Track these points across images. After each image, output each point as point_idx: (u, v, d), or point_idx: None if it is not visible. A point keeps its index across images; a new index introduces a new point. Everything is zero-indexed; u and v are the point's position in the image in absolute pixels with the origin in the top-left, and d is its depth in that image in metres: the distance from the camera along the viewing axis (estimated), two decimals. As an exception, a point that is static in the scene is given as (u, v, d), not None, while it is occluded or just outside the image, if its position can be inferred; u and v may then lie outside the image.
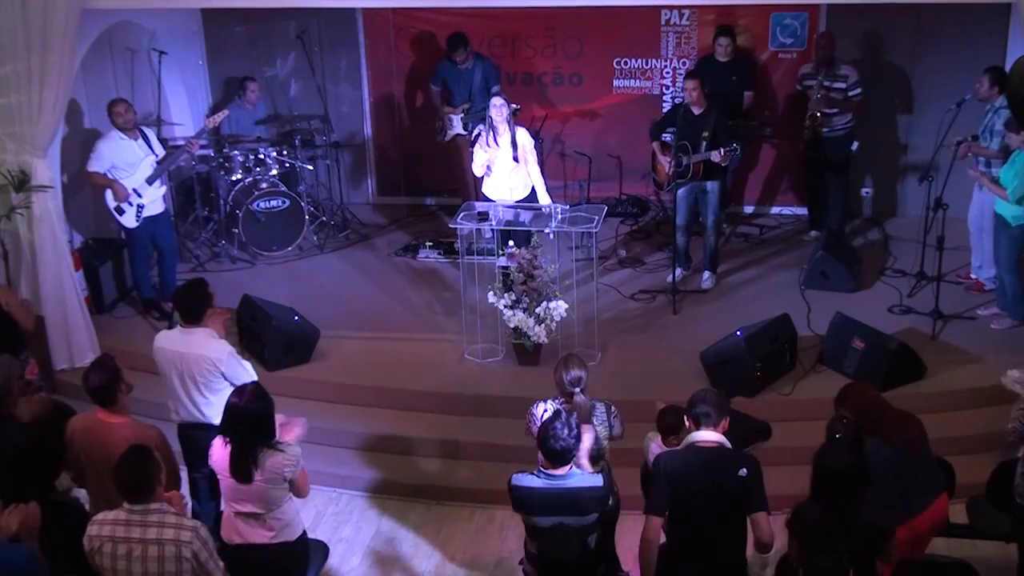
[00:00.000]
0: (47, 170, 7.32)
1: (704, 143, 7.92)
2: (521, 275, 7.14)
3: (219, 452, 4.77)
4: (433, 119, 9.78)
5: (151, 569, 4.21)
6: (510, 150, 7.88)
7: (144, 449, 4.36)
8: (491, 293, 7.24)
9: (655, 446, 5.21)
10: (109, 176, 7.87)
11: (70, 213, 8.14)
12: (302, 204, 9.30)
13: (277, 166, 9.41)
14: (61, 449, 4.96)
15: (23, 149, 7.19)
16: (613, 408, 5.17)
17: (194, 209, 9.65)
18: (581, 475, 4.57)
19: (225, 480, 4.77)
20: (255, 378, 5.32)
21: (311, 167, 9.94)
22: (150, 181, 8.01)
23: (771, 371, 6.95)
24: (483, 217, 7.53)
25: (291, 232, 9.28)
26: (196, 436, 5.45)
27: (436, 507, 6.59)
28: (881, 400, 5.17)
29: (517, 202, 7.95)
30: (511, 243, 7.47)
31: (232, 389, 5.27)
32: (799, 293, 8.19)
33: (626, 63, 9.94)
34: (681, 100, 8.53)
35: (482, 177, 8.09)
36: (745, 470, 4.47)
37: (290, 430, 5.08)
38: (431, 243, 9.32)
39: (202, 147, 9.28)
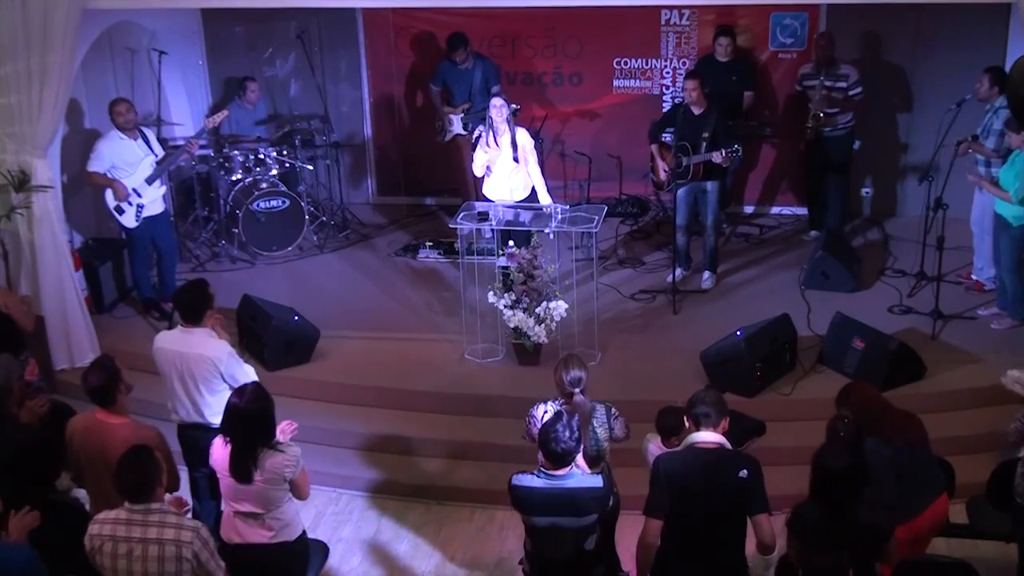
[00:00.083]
0: (47, 170, 7.32)
1: (704, 143, 7.92)
2: (521, 275, 7.14)
3: (219, 452, 4.78)
4: (433, 119, 9.78)
5: (151, 569, 4.22)
6: (510, 150, 7.88)
7: (145, 449, 4.36)
8: (491, 293, 7.24)
9: (654, 447, 5.21)
10: (109, 176, 7.87)
11: (70, 213, 8.14)
12: (302, 204, 9.30)
13: (277, 166, 9.41)
14: (61, 449, 4.97)
15: (23, 149, 7.19)
16: (614, 410, 5.16)
17: (194, 209, 9.65)
18: (581, 476, 4.57)
19: (225, 480, 4.77)
20: (255, 379, 5.32)
21: (311, 167, 9.94)
22: (150, 181, 8.01)
23: (771, 371, 6.95)
24: (483, 217, 7.53)
25: (291, 232, 9.28)
26: (196, 436, 5.45)
27: (436, 507, 6.59)
28: (882, 400, 5.18)
29: (517, 202, 7.95)
30: (511, 243, 7.47)
31: (231, 389, 5.29)
32: (799, 293, 8.19)
33: (626, 63, 9.94)
34: (681, 100, 8.53)
35: (482, 177, 8.09)
36: (746, 471, 4.46)
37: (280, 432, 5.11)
38: (431, 243, 9.32)
39: (202, 147, 9.29)
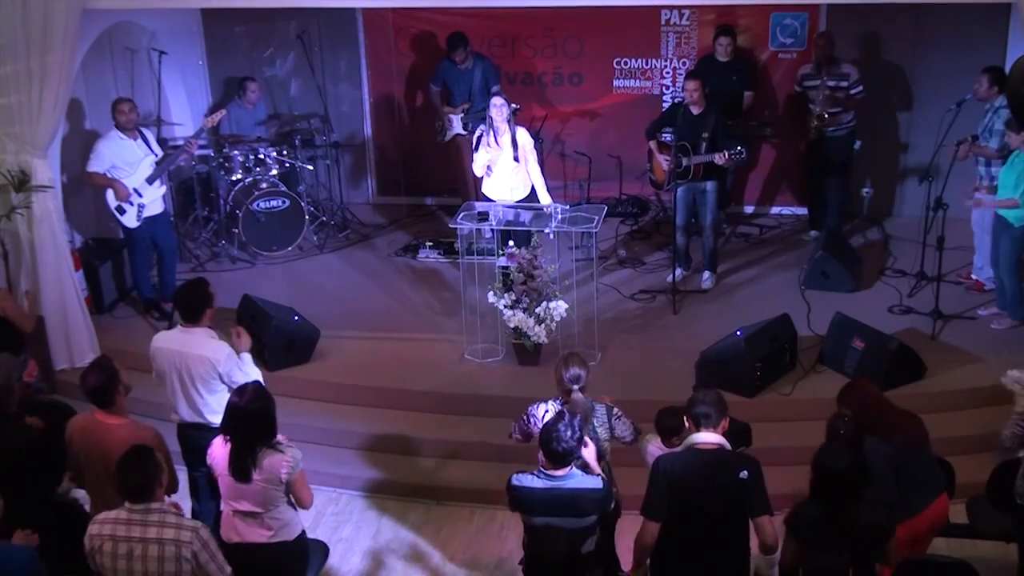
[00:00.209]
0: (47, 170, 7.32)
1: (704, 144, 7.92)
2: (521, 275, 7.14)
3: (219, 451, 4.78)
4: (433, 119, 9.78)
5: (151, 568, 4.22)
6: (511, 150, 7.88)
7: (145, 449, 4.36)
8: (491, 293, 7.24)
9: (654, 447, 5.20)
10: (109, 176, 7.87)
11: (70, 213, 8.14)
12: (302, 204, 9.30)
13: (277, 166, 9.41)
14: (62, 450, 4.97)
15: (23, 149, 7.19)
16: (616, 409, 5.14)
17: (194, 209, 9.64)
18: (581, 476, 4.56)
19: (224, 479, 4.77)
20: (260, 379, 5.32)
21: (311, 167, 9.94)
22: (150, 181, 8.02)
23: (771, 371, 6.94)
24: (483, 217, 7.53)
25: (291, 232, 9.28)
26: (196, 436, 5.44)
27: (436, 507, 6.59)
28: (882, 399, 5.17)
29: (517, 202, 7.95)
30: (511, 243, 7.48)
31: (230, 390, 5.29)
32: (799, 293, 8.19)
33: (626, 63, 9.94)
34: (680, 100, 8.53)
35: (482, 177, 8.09)
36: (746, 472, 4.45)
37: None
38: (431, 243, 9.32)
39: (202, 147, 9.29)
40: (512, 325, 7.15)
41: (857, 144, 8.97)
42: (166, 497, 4.56)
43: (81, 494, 5.16)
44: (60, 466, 4.98)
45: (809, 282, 8.26)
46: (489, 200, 7.99)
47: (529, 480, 4.55)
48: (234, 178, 9.30)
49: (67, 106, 7.51)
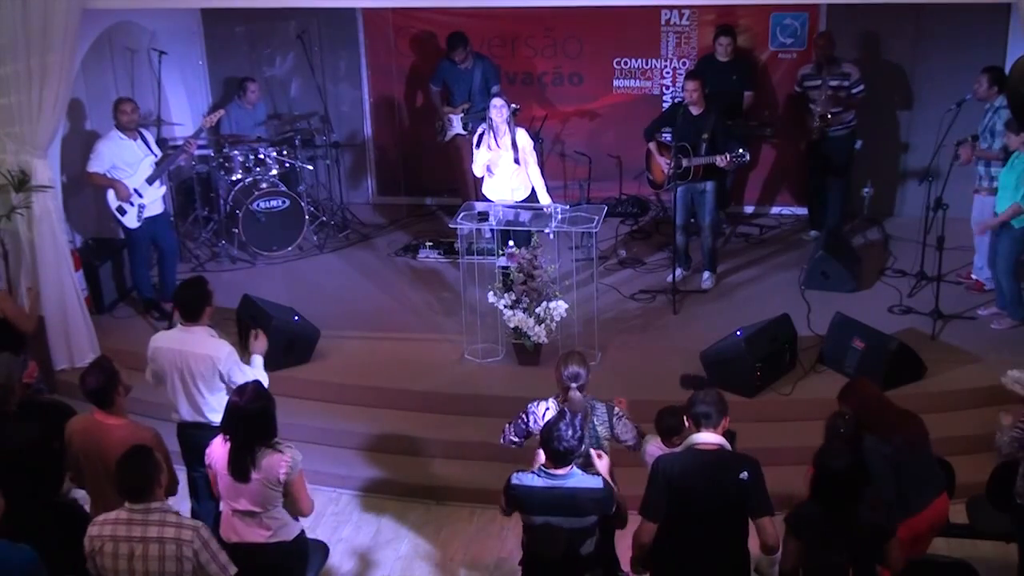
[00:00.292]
0: (47, 170, 7.32)
1: (704, 145, 7.92)
2: (521, 275, 7.14)
3: (219, 450, 4.77)
4: (433, 119, 9.78)
5: (152, 568, 4.21)
6: (511, 151, 7.88)
7: (145, 449, 4.36)
8: (491, 293, 7.24)
9: (654, 447, 5.20)
10: (109, 176, 7.88)
11: (70, 213, 8.14)
12: (302, 204, 9.31)
13: (277, 166, 9.41)
14: (62, 450, 4.97)
15: (23, 149, 7.19)
16: (617, 410, 5.14)
17: (194, 209, 9.65)
18: (581, 476, 4.55)
19: (223, 478, 4.77)
20: (264, 378, 5.31)
21: (311, 167, 9.94)
22: (150, 181, 8.02)
23: (771, 371, 6.94)
24: (483, 217, 7.53)
25: (291, 232, 9.28)
26: (196, 436, 5.44)
27: (436, 507, 6.59)
28: (883, 398, 5.17)
29: (517, 202, 7.95)
30: (511, 243, 7.48)
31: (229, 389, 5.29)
32: (799, 293, 8.19)
33: (626, 63, 9.94)
34: (680, 100, 8.53)
35: (482, 177, 8.09)
36: (746, 473, 4.45)
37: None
38: (431, 243, 9.32)
39: (202, 147, 9.30)
40: (512, 325, 7.16)
41: (858, 144, 8.98)
42: (169, 497, 4.56)
43: (81, 494, 5.16)
44: (60, 467, 4.97)
45: (809, 282, 8.26)
46: (489, 200, 7.99)
47: (529, 479, 4.55)
48: (234, 178, 9.30)
49: (67, 106, 7.51)
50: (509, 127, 7.87)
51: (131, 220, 8.01)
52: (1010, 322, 7.50)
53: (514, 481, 4.58)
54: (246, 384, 4.88)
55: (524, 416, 5.16)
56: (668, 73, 9.88)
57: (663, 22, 9.75)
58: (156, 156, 8.10)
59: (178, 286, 5.94)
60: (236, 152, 9.30)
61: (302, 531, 4.96)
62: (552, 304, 7.09)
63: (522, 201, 7.97)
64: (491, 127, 7.89)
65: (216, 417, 5.14)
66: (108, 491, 4.66)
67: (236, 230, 9.14)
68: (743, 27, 9.50)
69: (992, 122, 7.63)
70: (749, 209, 10.06)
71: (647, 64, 9.91)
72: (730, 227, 9.55)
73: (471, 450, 6.77)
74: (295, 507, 4.82)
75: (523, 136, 7.98)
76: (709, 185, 8.14)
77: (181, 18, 9.88)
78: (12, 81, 7.01)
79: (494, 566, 6.03)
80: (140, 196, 7.98)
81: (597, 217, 7.34)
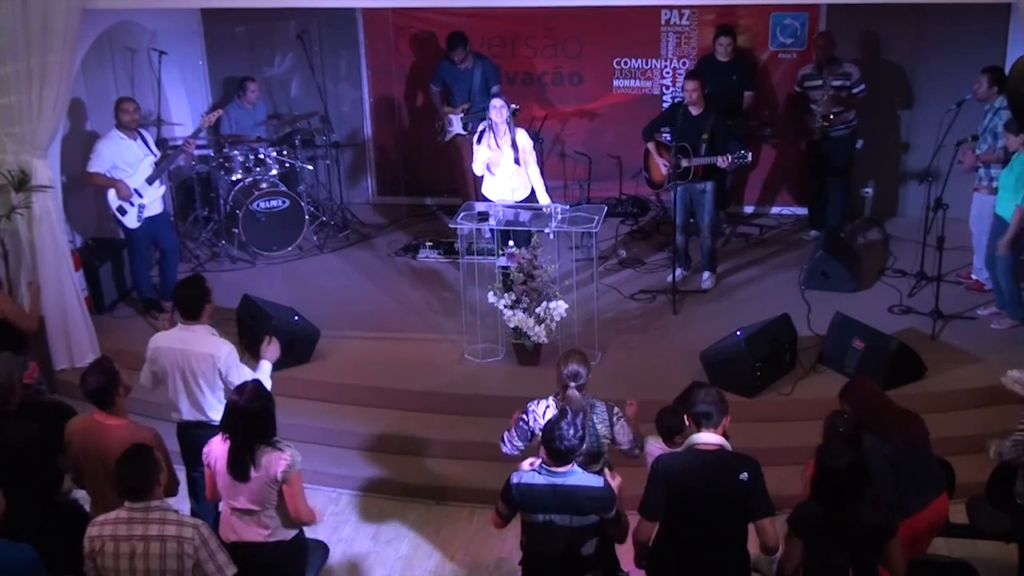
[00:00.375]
0: (47, 170, 7.32)
1: (704, 145, 7.92)
2: (521, 275, 7.14)
3: (218, 448, 4.78)
4: (433, 119, 9.78)
5: (153, 566, 4.21)
6: (511, 151, 7.88)
7: (144, 447, 4.37)
8: (491, 293, 7.24)
9: (654, 447, 5.20)
10: (109, 176, 7.88)
11: (70, 213, 8.14)
12: (302, 204, 9.31)
13: (277, 166, 9.41)
14: (61, 450, 4.97)
15: (23, 149, 7.19)
16: (618, 410, 5.13)
17: (194, 209, 9.65)
18: (582, 474, 4.55)
19: (222, 477, 4.77)
20: (267, 383, 5.31)
21: (311, 167, 9.94)
22: (150, 181, 8.02)
23: (771, 371, 6.94)
24: (483, 217, 7.53)
25: (291, 232, 9.28)
26: (196, 435, 5.44)
27: (436, 507, 6.59)
28: (883, 397, 5.14)
29: (517, 202, 7.95)
30: (511, 243, 7.48)
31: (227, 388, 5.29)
32: (799, 293, 8.19)
33: (626, 63, 9.94)
34: (680, 100, 8.52)
35: (482, 176, 8.09)
36: (746, 474, 4.44)
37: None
38: (431, 243, 9.32)
39: (201, 147, 9.30)
40: (512, 325, 7.16)
41: (859, 143, 8.98)
42: (170, 498, 4.57)
43: (81, 494, 5.16)
44: (60, 467, 4.98)
45: (809, 282, 8.26)
46: (489, 200, 7.99)
47: (530, 476, 4.55)
48: (234, 178, 9.30)
49: (67, 106, 7.51)
50: (509, 127, 7.87)
51: (131, 220, 8.02)
52: (1010, 322, 7.50)
53: (514, 480, 4.57)
54: (245, 383, 4.89)
55: (524, 417, 5.16)
56: (668, 73, 9.88)
57: (663, 22, 9.75)
58: (155, 156, 8.10)
59: (176, 285, 5.94)
60: (236, 152, 9.31)
61: (301, 530, 4.95)
62: (552, 304, 7.09)
63: (522, 201, 7.97)
64: (491, 127, 7.89)
65: (217, 416, 5.14)
66: (108, 491, 4.66)
67: (236, 230, 9.14)
68: (743, 27, 9.50)
69: (992, 123, 7.63)
70: (749, 209, 10.06)
71: (647, 64, 9.91)
72: (730, 227, 9.55)
73: (471, 450, 6.77)
74: (289, 509, 4.76)
75: (523, 136, 7.98)
76: (708, 185, 8.14)
77: (181, 18, 9.88)
78: (12, 81, 7.01)
79: (494, 566, 6.03)
80: (140, 196, 7.99)
81: (597, 217, 7.34)
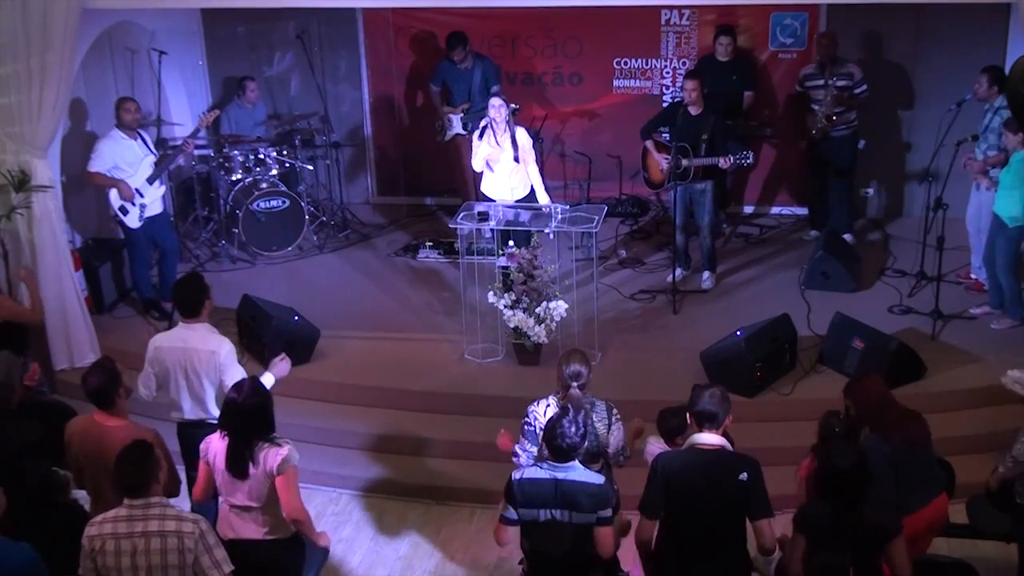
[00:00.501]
0: (47, 170, 7.32)
1: (704, 145, 7.91)
2: (521, 275, 7.14)
3: (216, 445, 4.78)
4: (433, 119, 9.78)
5: (154, 561, 4.20)
6: (511, 150, 7.88)
7: (144, 443, 4.36)
8: (491, 293, 7.24)
9: (654, 446, 5.20)
10: (109, 176, 7.88)
11: (70, 213, 8.14)
12: (302, 204, 9.31)
13: (277, 166, 9.41)
14: (61, 451, 4.97)
15: (23, 149, 7.19)
16: (616, 412, 5.13)
17: (194, 209, 9.65)
18: (583, 470, 4.55)
19: (220, 474, 4.77)
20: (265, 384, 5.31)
21: (311, 167, 9.94)
22: (150, 181, 8.02)
23: (771, 371, 6.94)
24: (483, 217, 7.53)
25: (291, 232, 9.28)
26: (197, 435, 5.41)
27: (436, 507, 6.59)
28: (886, 397, 5.11)
29: (517, 202, 7.95)
30: (511, 243, 7.48)
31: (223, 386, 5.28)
32: (799, 293, 8.19)
33: (626, 63, 9.93)
34: (680, 99, 8.52)
35: (481, 172, 8.08)
36: (746, 474, 4.44)
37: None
38: (431, 243, 9.32)
39: (201, 147, 9.30)
40: (512, 325, 7.16)
41: (861, 144, 8.97)
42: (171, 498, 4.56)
43: (81, 494, 5.16)
44: (60, 466, 4.98)
45: (809, 282, 8.26)
46: (489, 200, 7.99)
47: (532, 472, 4.55)
48: (234, 178, 9.30)
49: (67, 106, 7.51)
50: (508, 126, 7.87)
51: (133, 220, 8.02)
52: (1010, 322, 7.49)
53: (515, 477, 4.57)
54: (243, 380, 4.91)
55: (529, 421, 5.14)
56: (668, 73, 9.88)
57: (663, 22, 9.75)
58: (155, 156, 8.10)
59: (175, 284, 5.95)
60: (236, 152, 9.30)
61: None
62: (552, 304, 7.09)
63: (521, 200, 7.97)
64: (490, 126, 7.89)
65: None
66: (108, 492, 4.66)
67: (236, 230, 9.14)
68: (743, 27, 9.50)
69: (993, 121, 7.63)
70: (749, 209, 10.05)
71: (647, 64, 9.90)
72: (730, 227, 9.55)
73: (471, 450, 6.77)
74: (282, 502, 4.74)
75: (523, 135, 7.99)
76: (707, 185, 8.14)
77: (181, 18, 9.88)
78: (12, 81, 7.01)
79: (494, 566, 6.03)
80: (141, 196, 7.99)
81: (597, 217, 7.34)
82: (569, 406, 4.73)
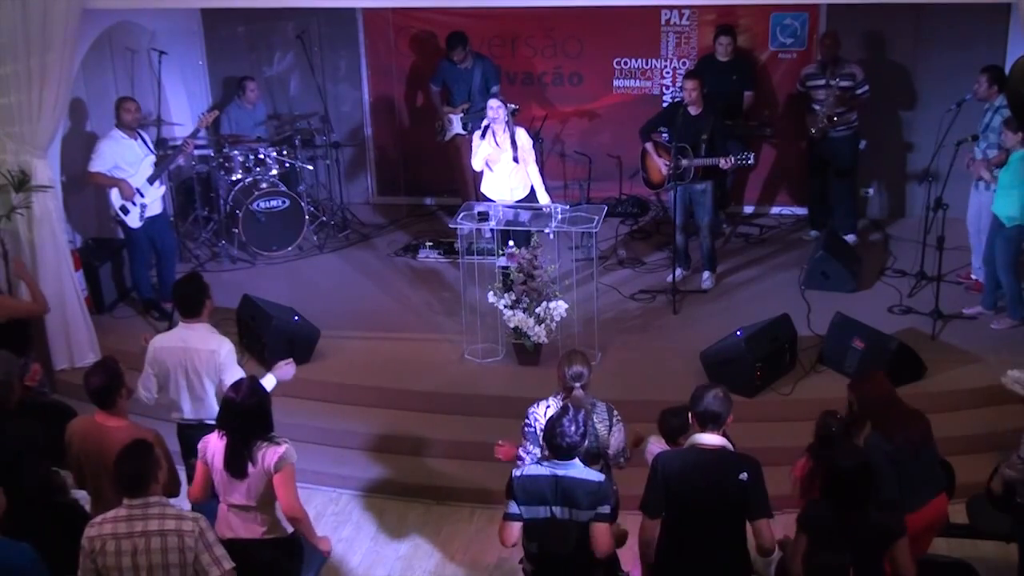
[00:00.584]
0: (47, 170, 7.32)
1: (704, 145, 7.91)
2: (521, 275, 7.14)
3: (214, 445, 4.78)
4: (433, 119, 9.78)
5: (155, 560, 4.20)
6: (511, 150, 7.88)
7: (144, 443, 4.37)
8: (491, 293, 7.24)
9: (655, 446, 5.19)
10: (110, 176, 7.88)
11: (70, 213, 8.14)
12: (302, 204, 9.31)
13: (277, 166, 9.41)
14: (61, 452, 4.97)
15: (23, 149, 7.19)
16: (617, 414, 5.13)
17: (194, 209, 9.65)
18: (583, 468, 4.55)
19: (218, 473, 4.77)
20: (267, 386, 5.30)
21: (311, 167, 9.94)
22: (151, 181, 8.03)
23: (771, 371, 6.95)
24: (483, 217, 7.53)
25: (291, 232, 9.28)
26: (197, 435, 5.39)
27: (436, 507, 6.59)
28: (888, 396, 5.08)
29: (517, 202, 7.95)
30: (511, 243, 7.48)
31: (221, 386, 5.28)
32: (799, 293, 8.19)
33: (626, 63, 9.93)
34: (679, 99, 8.52)
35: (481, 171, 8.08)
36: (746, 474, 4.43)
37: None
38: (431, 243, 9.32)
39: (201, 147, 9.30)
40: (512, 325, 7.16)
41: (862, 144, 8.97)
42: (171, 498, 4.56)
43: (81, 494, 5.16)
44: (60, 466, 4.98)
45: (809, 282, 8.26)
46: (489, 200, 7.99)
47: (533, 468, 4.56)
48: (234, 178, 9.30)
49: (67, 106, 7.51)
50: (508, 126, 7.87)
51: (134, 220, 8.02)
52: (1010, 322, 7.50)
53: (516, 474, 4.57)
54: (241, 380, 4.90)
55: (529, 423, 5.13)
56: (668, 73, 9.88)
57: (663, 22, 9.75)
58: (155, 156, 8.11)
59: (175, 284, 5.95)
60: (236, 152, 9.31)
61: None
62: (552, 304, 7.09)
63: (521, 200, 7.97)
64: (490, 127, 7.89)
65: (219, 413, 5.15)
66: (108, 492, 4.65)
67: (236, 230, 9.14)
68: (743, 27, 9.50)
69: (993, 121, 7.63)
70: (749, 209, 10.06)
71: (647, 64, 9.90)
72: (730, 227, 9.55)
73: (471, 450, 6.76)
74: (279, 499, 4.74)
75: (522, 135, 7.99)
76: (707, 185, 8.14)
77: (181, 18, 9.88)
78: (12, 81, 7.01)
79: (494, 566, 6.03)
80: (142, 196, 7.99)
81: (597, 217, 7.34)
82: (569, 405, 4.73)
